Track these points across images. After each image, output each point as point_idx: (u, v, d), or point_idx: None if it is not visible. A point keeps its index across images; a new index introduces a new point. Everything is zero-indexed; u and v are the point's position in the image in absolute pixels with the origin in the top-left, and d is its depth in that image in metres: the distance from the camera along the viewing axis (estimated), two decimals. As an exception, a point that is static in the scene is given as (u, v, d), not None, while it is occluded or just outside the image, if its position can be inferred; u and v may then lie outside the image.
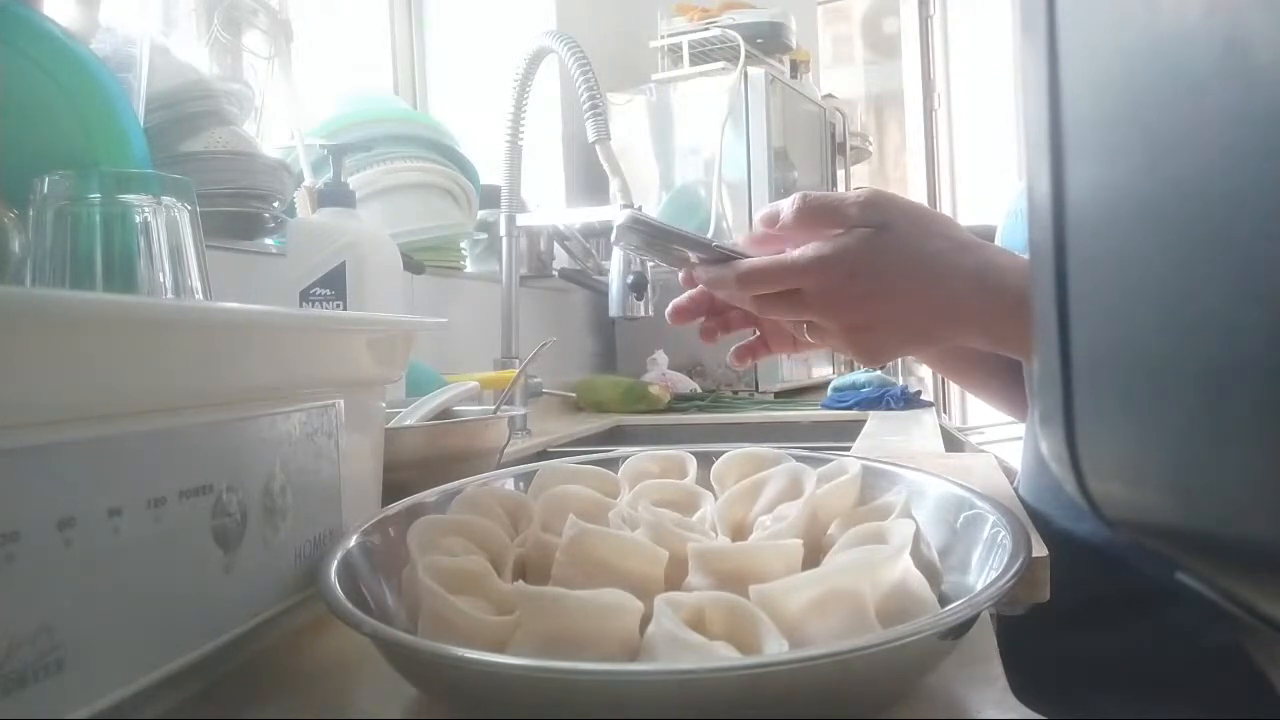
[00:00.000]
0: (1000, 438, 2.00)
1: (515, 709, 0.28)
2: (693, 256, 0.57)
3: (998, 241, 0.75)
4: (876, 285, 0.53)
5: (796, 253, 0.54)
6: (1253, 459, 0.19)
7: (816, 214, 0.54)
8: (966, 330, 0.55)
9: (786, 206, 0.54)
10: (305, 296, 0.84)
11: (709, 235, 1.67)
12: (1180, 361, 0.20)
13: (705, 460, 0.50)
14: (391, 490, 0.49)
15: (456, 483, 0.49)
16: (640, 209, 1.12)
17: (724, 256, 0.56)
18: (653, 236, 0.56)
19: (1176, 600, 0.54)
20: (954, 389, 3.16)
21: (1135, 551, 0.56)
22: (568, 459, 0.52)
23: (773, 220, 0.55)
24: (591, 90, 1.09)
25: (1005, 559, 0.34)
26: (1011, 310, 0.53)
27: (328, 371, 0.42)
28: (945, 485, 0.44)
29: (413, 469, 0.59)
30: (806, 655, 0.26)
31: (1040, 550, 0.45)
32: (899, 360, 2.36)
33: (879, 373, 1.42)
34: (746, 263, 0.55)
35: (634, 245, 0.57)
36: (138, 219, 0.53)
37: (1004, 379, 0.76)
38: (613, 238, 0.58)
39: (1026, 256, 0.67)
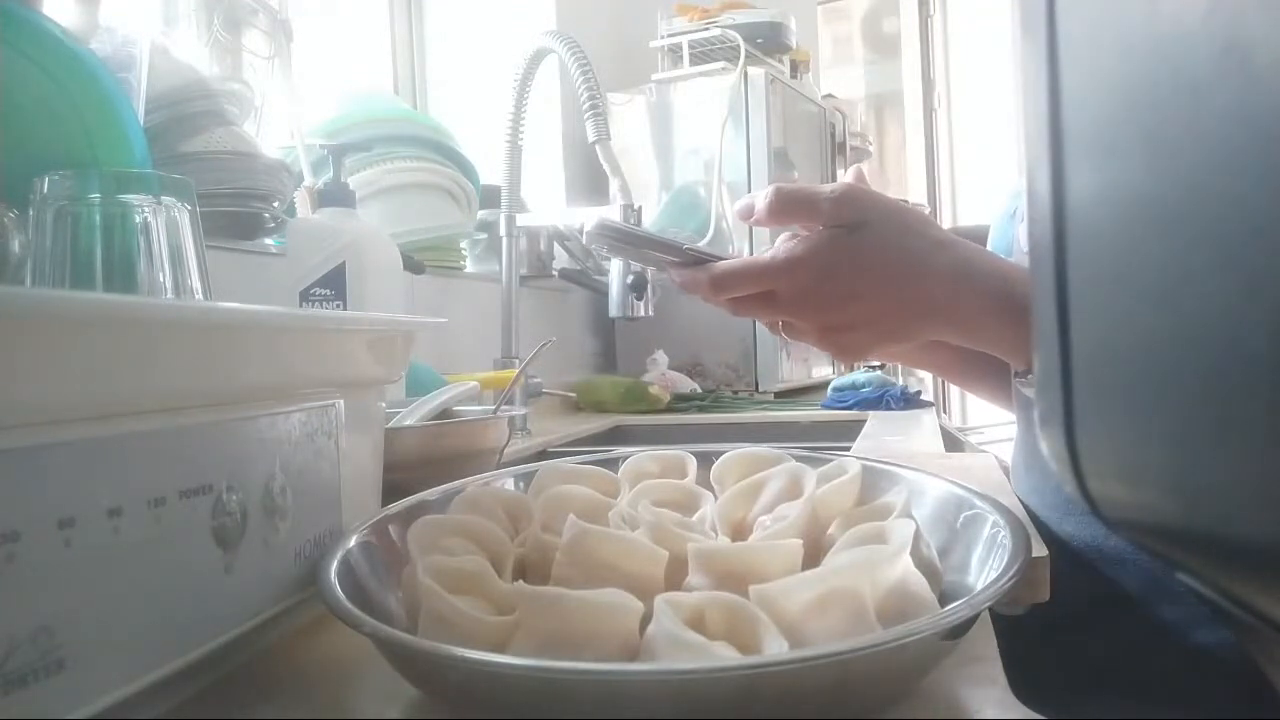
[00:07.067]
0: (1000, 438, 2.00)
1: (515, 709, 0.28)
2: (667, 259, 0.57)
3: (989, 245, 0.75)
4: (849, 286, 0.53)
5: (768, 255, 0.54)
6: (1252, 459, 0.19)
7: (790, 206, 0.54)
8: (941, 328, 0.55)
9: (761, 199, 0.55)
10: (305, 296, 0.84)
11: (708, 239, 1.68)
12: (1180, 361, 0.20)
13: (705, 460, 0.50)
14: (391, 490, 0.49)
15: (456, 483, 0.49)
16: (639, 209, 1.12)
17: (697, 259, 0.56)
18: (622, 241, 0.56)
19: (1176, 600, 0.54)
20: (954, 389, 3.16)
21: (1130, 551, 0.56)
22: (568, 459, 0.52)
23: (749, 212, 0.56)
24: (591, 90, 1.09)
25: (1005, 559, 0.34)
26: (987, 307, 0.53)
27: (328, 371, 0.42)
28: (945, 485, 0.44)
29: (413, 469, 0.59)
30: (806, 655, 0.26)
31: (1040, 550, 0.45)
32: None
33: (879, 373, 1.42)
34: (719, 266, 0.55)
35: (606, 249, 0.57)
36: (138, 219, 0.53)
37: (998, 373, 0.76)
38: (584, 241, 0.58)
39: (1015, 258, 0.67)
